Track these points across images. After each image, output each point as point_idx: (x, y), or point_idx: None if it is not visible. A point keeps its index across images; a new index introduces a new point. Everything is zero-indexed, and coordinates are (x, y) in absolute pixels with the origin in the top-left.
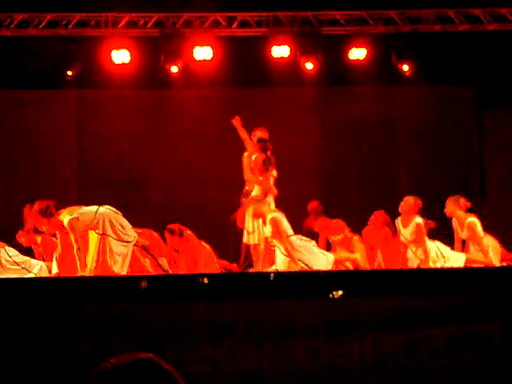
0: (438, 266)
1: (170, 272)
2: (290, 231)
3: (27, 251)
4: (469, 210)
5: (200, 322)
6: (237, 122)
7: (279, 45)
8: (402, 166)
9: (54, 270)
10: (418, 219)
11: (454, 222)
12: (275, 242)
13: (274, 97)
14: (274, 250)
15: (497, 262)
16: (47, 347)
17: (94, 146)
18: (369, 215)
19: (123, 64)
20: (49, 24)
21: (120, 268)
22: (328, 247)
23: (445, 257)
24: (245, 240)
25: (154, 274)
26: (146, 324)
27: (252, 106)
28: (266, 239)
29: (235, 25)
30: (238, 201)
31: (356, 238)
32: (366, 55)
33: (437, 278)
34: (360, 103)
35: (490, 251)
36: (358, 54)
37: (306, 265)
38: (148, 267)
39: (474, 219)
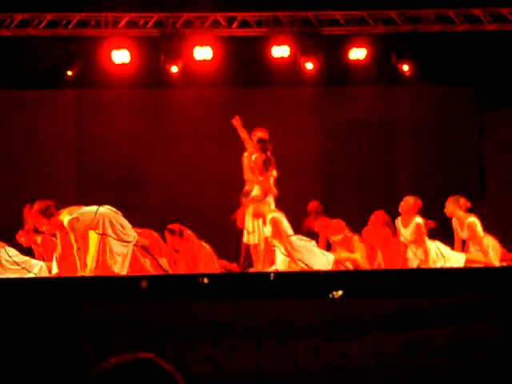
0: (438, 266)
1: (170, 272)
2: (290, 231)
3: (27, 251)
4: (469, 210)
5: (200, 322)
6: (237, 121)
7: (279, 45)
8: (402, 166)
9: (54, 270)
10: (418, 219)
11: (454, 222)
12: (275, 241)
13: (274, 97)
14: (274, 250)
15: (496, 262)
16: (47, 347)
17: (94, 145)
18: (369, 215)
19: (123, 64)
20: (49, 24)
21: (120, 268)
22: (328, 247)
23: (445, 257)
24: (245, 240)
25: (154, 273)
26: (146, 324)
27: (252, 105)
28: (265, 239)
29: (235, 25)
30: (238, 201)
31: (356, 238)
32: (366, 55)
33: (436, 278)
34: (360, 103)
35: (490, 251)
36: (357, 53)
37: (306, 265)
38: (148, 267)
39: (474, 219)
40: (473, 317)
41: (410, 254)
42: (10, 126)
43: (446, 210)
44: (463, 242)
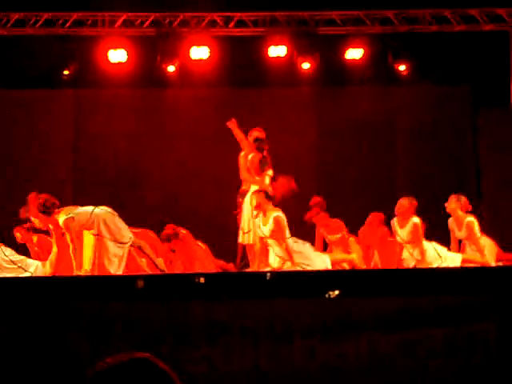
0: (435, 266)
1: (167, 272)
2: (288, 234)
3: (23, 251)
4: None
5: (196, 322)
6: (232, 124)
7: (276, 45)
8: (400, 166)
9: (49, 270)
10: (416, 219)
11: (451, 222)
12: (271, 241)
13: (271, 97)
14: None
15: (493, 263)
16: (44, 346)
17: (90, 145)
18: (366, 215)
19: (120, 63)
20: (45, 23)
21: (116, 270)
22: (324, 248)
23: (441, 257)
24: (240, 240)
25: (151, 273)
26: (143, 324)
27: (249, 105)
28: (261, 239)
29: (232, 24)
30: (235, 200)
31: (352, 239)
32: (363, 55)
33: (433, 278)
34: (357, 103)
35: (486, 251)
36: (354, 53)
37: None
38: (144, 267)
39: (472, 219)
40: (469, 317)
41: (405, 254)
42: (7, 125)
43: (447, 205)
44: (459, 242)
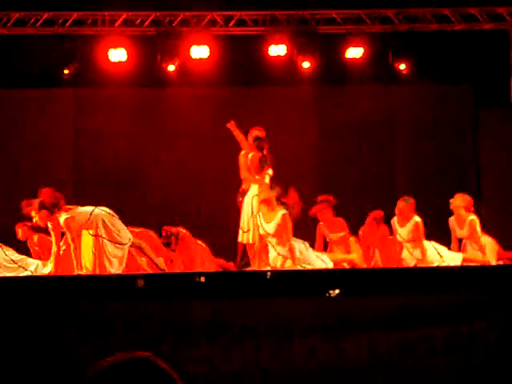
0: (435, 265)
1: (167, 271)
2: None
3: (23, 251)
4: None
5: (196, 321)
6: (232, 125)
7: (276, 44)
8: (399, 166)
9: (49, 269)
10: (417, 218)
11: (452, 221)
12: (273, 240)
13: (271, 95)
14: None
15: (493, 261)
16: (44, 345)
17: (90, 145)
18: (366, 215)
19: (120, 62)
20: (45, 22)
21: (116, 270)
22: (325, 247)
23: (442, 256)
24: (239, 239)
25: (151, 272)
26: (143, 323)
27: (249, 104)
28: (261, 238)
29: (232, 23)
30: (235, 200)
31: (352, 239)
32: (363, 54)
33: (433, 277)
34: (357, 102)
35: (487, 250)
36: (354, 52)
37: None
38: (144, 266)
39: (474, 217)
40: (470, 316)
41: (405, 253)
42: (7, 124)
43: (451, 203)
44: (460, 241)
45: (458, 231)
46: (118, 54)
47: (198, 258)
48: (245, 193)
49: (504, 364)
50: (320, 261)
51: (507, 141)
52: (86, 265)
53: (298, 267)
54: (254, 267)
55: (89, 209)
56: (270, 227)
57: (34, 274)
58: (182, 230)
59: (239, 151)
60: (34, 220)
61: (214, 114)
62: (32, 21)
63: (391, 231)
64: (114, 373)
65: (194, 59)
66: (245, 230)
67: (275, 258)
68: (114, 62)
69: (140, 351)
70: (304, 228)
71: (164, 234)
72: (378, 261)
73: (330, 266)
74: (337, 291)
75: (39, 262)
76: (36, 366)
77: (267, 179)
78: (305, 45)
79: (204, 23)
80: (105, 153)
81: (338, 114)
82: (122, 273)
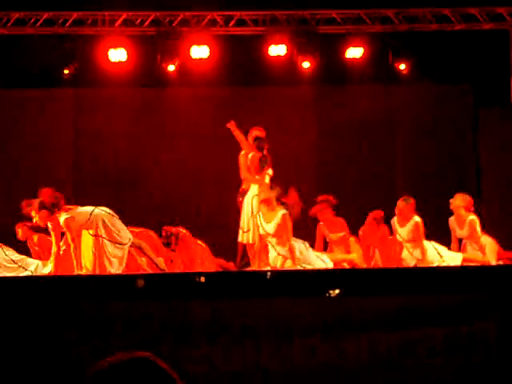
0: (435, 265)
1: (167, 271)
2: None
3: (24, 251)
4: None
5: (196, 321)
6: (232, 126)
7: (276, 44)
8: (399, 166)
9: (49, 269)
10: (417, 218)
11: (452, 221)
12: (273, 240)
13: (271, 95)
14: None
15: (493, 261)
16: (44, 345)
17: (90, 145)
18: (366, 215)
19: (120, 62)
20: (46, 22)
21: (116, 270)
22: (324, 247)
23: (442, 256)
24: (239, 239)
25: (151, 272)
26: (143, 323)
27: (249, 104)
28: (261, 238)
29: (232, 24)
30: (235, 200)
31: (352, 239)
32: (363, 54)
33: (433, 277)
34: (357, 102)
35: (487, 250)
36: (354, 52)
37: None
38: (144, 266)
39: (474, 217)
40: (470, 316)
41: (405, 253)
42: (7, 124)
43: (451, 203)
44: (459, 241)
45: (458, 231)
46: (117, 54)
47: (198, 258)
48: (245, 193)
49: (504, 364)
50: (320, 261)
51: (507, 141)
52: (86, 265)
53: (298, 267)
54: (253, 267)
55: (89, 209)
56: (270, 227)
57: (34, 274)
58: (182, 230)
59: (239, 151)
60: (34, 220)
61: (214, 114)
62: (32, 21)
63: (391, 231)
64: (114, 373)
65: (194, 59)
66: (245, 230)
67: (275, 258)
68: (114, 62)
69: (140, 351)
70: (304, 228)
71: (164, 234)
72: (378, 261)
73: (330, 266)
74: (337, 291)
75: (39, 262)
76: (36, 366)
77: (267, 179)
78: (305, 45)
79: (204, 23)
80: (105, 153)
81: (338, 114)
82: (122, 273)
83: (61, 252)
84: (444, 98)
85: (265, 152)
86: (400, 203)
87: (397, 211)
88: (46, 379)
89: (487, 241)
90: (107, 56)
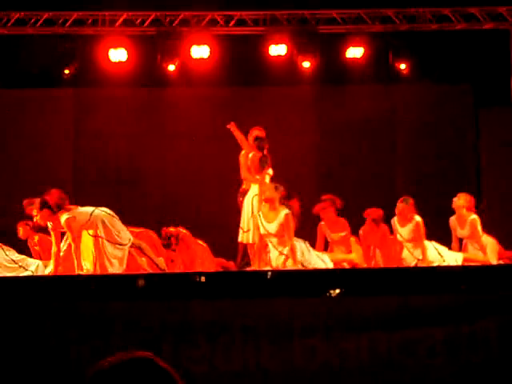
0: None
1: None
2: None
3: (24, 251)
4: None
5: (197, 321)
6: (232, 126)
7: (276, 43)
8: (399, 166)
9: (50, 270)
10: (418, 218)
11: (453, 221)
12: (274, 240)
13: (271, 95)
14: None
15: (494, 261)
16: (44, 345)
17: (90, 145)
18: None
19: (120, 62)
20: (46, 22)
21: (116, 271)
22: (325, 247)
23: (443, 256)
24: (239, 239)
25: (151, 272)
26: (143, 323)
27: (249, 104)
28: (261, 238)
29: (232, 23)
30: (235, 200)
31: (353, 239)
32: (363, 54)
33: (434, 276)
34: (357, 102)
35: (488, 250)
36: (355, 52)
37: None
38: (145, 266)
39: (475, 217)
40: (471, 315)
41: (405, 253)
42: (6, 124)
43: (454, 202)
44: (460, 241)
45: (459, 231)
46: (118, 54)
47: (198, 257)
48: (245, 193)
49: (505, 364)
50: (320, 261)
51: (508, 140)
52: (87, 266)
53: (299, 266)
54: (254, 267)
55: (89, 209)
56: (272, 227)
57: (35, 274)
58: (182, 230)
59: (239, 151)
60: (35, 219)
61: (214, 114)
62: (32, 21)
63: (391, 231)
64: (114, 373)
65: (195, 59)
66: (245, 230)
67: (276, 258)
68: (114, 62)
69: (140, 351)
70: (305, 228)
71: (163, 235)
72: (378, 261)
73: (331, 266)
74: (337, 291)
75: (40, 262)
76: (36, 366)
77: (267, 179)
78: (305, 45)
79: (204, 23)
80: (105, 153)
81: (338, 114)
82: (122, 273)
83: (61, 253)
84: (444, 98)
85: (265, 152)
86: (399, 204)
87: (397, 212)
88: (46, 379)
89: (488, 240)
90: (107, 56)
